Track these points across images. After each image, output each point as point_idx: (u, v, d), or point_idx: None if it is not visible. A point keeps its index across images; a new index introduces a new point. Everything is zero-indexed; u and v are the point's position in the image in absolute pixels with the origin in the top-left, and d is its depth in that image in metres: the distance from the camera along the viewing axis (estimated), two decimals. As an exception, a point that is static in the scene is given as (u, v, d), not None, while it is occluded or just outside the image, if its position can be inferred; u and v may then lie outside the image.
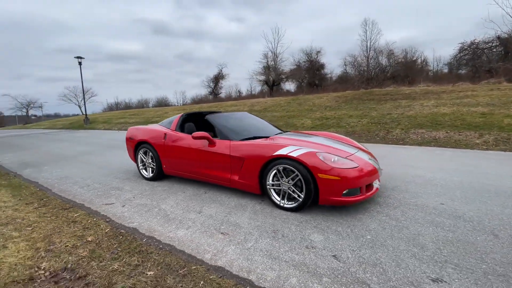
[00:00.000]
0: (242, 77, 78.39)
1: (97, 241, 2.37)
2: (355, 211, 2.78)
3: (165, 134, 4.02)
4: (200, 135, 3.36)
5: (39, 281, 1.83)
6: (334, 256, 1.99)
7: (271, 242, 2.23)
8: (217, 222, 2.65)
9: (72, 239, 2.42)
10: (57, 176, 4.83)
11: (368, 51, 26.48)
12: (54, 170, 5.34)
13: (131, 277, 1.83)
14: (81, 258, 2.09)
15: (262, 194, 3.14)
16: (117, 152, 7.29)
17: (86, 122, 20.73)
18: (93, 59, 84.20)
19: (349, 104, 12.26)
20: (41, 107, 51.66)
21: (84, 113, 23.39)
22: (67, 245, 2.30)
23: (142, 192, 3.70)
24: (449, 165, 4.57)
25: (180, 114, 4.27)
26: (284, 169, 2.82)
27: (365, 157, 3.13)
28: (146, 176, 4.32)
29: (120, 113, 25.62)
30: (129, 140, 4.59)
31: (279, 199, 2.91)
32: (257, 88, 34.70)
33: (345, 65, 28.93)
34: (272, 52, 31.63)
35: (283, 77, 31.13)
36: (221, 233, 2.43)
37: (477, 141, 6.52)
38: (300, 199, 2.73)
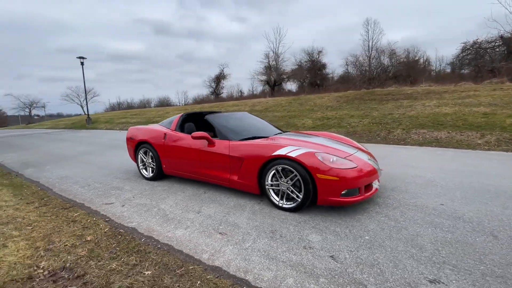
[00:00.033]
0: (244, 77, 78.43)
1: (96, 241, 2.38)
2: (354, 211, 2.77)
3: (165, 134, 4.03)
4: (199, 135, 3.37)
5: (37, 280, 1.84)
6: (331, 256, 1.99)
7: (269, 243, 2.23)
8: (215, 222, 2.66)
9: (72, 238, 2.43)
10: (58, 175, 4.86)
11: (370, 51, 26.40)
12: (55, 169, 5.37)
13: (129, 276, 1.84)
14: (80, 258, 2.10)
15: (261, 194, 3.14)
16: (118, 152, 7.32)
17: (88, 122, 20.83)
18: (94, 59, 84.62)
19: (350, 104, 12.22)
20: (43, 107, 52.03)
21: (86, 113, 23.50)
22: (66, 245, 2.31)
23: (142, 192, 3.71)
24: (450, 166, 4.55)
25: (180, 114, 4.28)
26: (283, 169, 2.82)
27: (364, 157, 3.12)
28: (146, 176, 4.34)
29: (121, 113, 25.72)
30: (129, 140, 4.60)
31: (278, 199, 2.91)
32: (259, 88, 34.74)
33: (347, 65, 28.88)
34: (273, 52, 31.64)
35: (285, 77, 31.12)
36: (219, 233, 2.44)
37: (479, 142, 6.48)
38: (299, 200, 2.73)
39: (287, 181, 2.80)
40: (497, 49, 17.67)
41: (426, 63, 28.59)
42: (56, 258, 2.10)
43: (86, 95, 23.02)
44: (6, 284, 1.76)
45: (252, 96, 31.18)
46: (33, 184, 4.31)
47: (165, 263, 1.99)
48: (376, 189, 2.97)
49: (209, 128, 4.06)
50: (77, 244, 2.33)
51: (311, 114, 12.11)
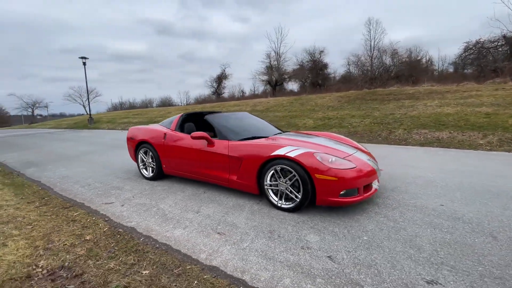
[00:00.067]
0: (245, 77, 78.54)
1: (95, 240, 2.39)
2: (353, 212, 2.77)
3: (164, 134, 4.04)
4: (198, 135, 3.37)
5: (36, 278, 1.85)
6: (329, 257, 1.99)
7: (266, 243, 2.23)
8: (214, 222, 2.66)
9: (71, 237, 2.44)
10: (59, 175, 4.89)
11: (372, 50, 26.33)
12: (57, 169, 5.40)
13: (126, 276, 1.85)
14: (79, 257, 2.11)
15: (260, 195, 3.14)
16: (119, 151, 7.35)
17: (90, 122, 20.93)
18: (97, 59, 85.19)
19: (351, 104, 12.19)
20: (46, 107, 52.36)
21: (88, 113, 23.62)
22: (66, 244, 2.33)
23: (142, 192, 3.72)
24: (451, 166, 4.53)
25: (180, 114, 4.29)
26: (282, 169, 2.82)
27: (363, 157, 3.11)
28: (147, 176, 4.35)
29: (123, 113, 25.82)
30: (130, 140, 4.62)
31: (276, 199, 2.91)
32: (260, 88, 34.73)
33: (349, 64, 28.83)
34: (275, 52, 31.63)
35: (286, 77, 31.09)
36: (218, 233, 2.44)
37: (481, 142, 6.44)
38: (298, 200, 2.73)
39: (286, 181, 2.80)
40: (500, 49, 17.53)
41: (429, 63, 28.47)
42: (55, 257, 2.12)
43: (88, 95, 23.12)
44: (5, 283, 1.78)
45: (254, 96, 31.18)
46: (34, 184, 4.33)
47: (163, 263, 2.00)
48: (376, 189, 2.96)
49: (209, 128, 4.07)
50: (76, 243, 2.34)
51: (312, 114, 12.09)
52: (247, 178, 3.09)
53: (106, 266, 1.97)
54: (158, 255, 2.11)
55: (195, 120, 4.43)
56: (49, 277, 1.87)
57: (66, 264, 2.02)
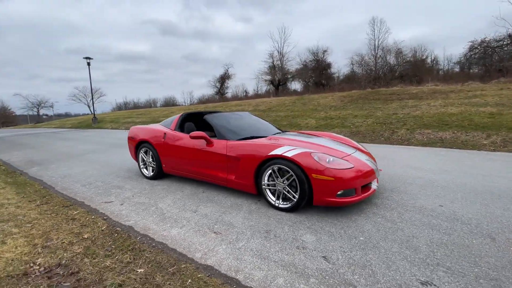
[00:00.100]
0: (249, 77, 78.66)
1: (93, 238, 2.41)
2: (350, 212, 2.75)
3: (164, 133, 4.06)
4: (197, 135, 3.38)
5: (33, 276, 1.88)
6: (324, 257, 1.98)
7: (262, 242, 2.23)
8: (211, 221, 2.67)
9: (69, 236, 2.47)
10: (61, 174, 4.94)
11: (376, 50, 26.16)
12: (59, 168, 5.46)
13: (122, 274, 1.86)
14: (76, 255, 2.14)
15: (258, 194, 3.14)
16: (121, 151, 7.40)
17: (94, 122, 21.12)
18: (102, 59, 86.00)
19: (354, 104, 12.13)
20: (52, 106, 52.97)
21: (92, 112, 23.83)
22: (64, 242, 2.35)
23: (141, 191, 3.74)
24: (453, 167, 4.48)
25: (180, 114, 4.31)
26: (279, 169, 2.82)
27: (362, 157, 3.09)
28: (147, 175, 4.38)
29: (127, 113, 26.01)
30: (130, 139, 4.65)
31: (274, 199, 2.90)
32: (263, 88, 34.72)
33: (352, 64, 28.68)
34: (278, 52, 31.63)
35: (289, 76, 31.04)
36: (214, 232, 2.44)
37: (485, 142, 6.37)
38: (295, 200, 2.72)
39: (283, 181, 2.79)
40: (506, 48, 17.29)
41: (434, 62, 28.21)
42: (52, 255, 2.14)
43: (92, 95, 23.38)
44: (2, 280, 1.80)
45: (257, 96, 31.17)
46: (36, 183, 4.39)
47: (158, 261, 2.01)
48: (374, 189, 2.94)
49: (209, 128, 4.08)
50: (74, 241, 2.37)
51: (315, 114, 12.05)
52: (245, 177, 3.10)
53: (102, 264, 1.99)
54: (154, 253, 2.12)
55: (195, 120, 4.45)
56: (45, 275, 1.89)
57: (63, 262, 2.04)
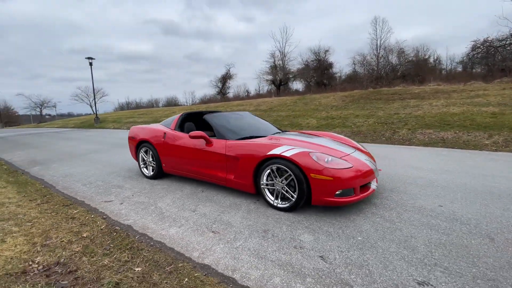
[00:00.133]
0: (250, 76, 78.62)
1: (92, 237, 2.42)
2: (349, 212, 2.75)
3: (164, 133, 4.07)
4: (196, 135, 3.39)
5: (31, 274, 1.89)
6: (321, 256, 1.98)
7: (260, 242, 2.23)
8: (209, 221, 2.67)
9: (69, 234, 2.48)
10: (62, 173, 4.97)
11: (378, 50, 26.08)
12: (61, 167, 5.49)
13: (119, 272, 1.87)
14: (74, 253, 2.15)
15: (257, 194, 3.14)
16: (122, 150, 7.43)
17: (97, 122, 21.22)
18: (105, 59, 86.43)
19: (356, 103, 12.10)
20: (54, 106, 53.28)
21: (95, 112, 23.95)
22: (63, 241, 2.37)
23: (141, 190, 3.76)
24: (454, 167, 4.45)
25: (180, 114, 4.32)
26: (278, 168, 2.82)
27: (361, 157, 3.08)
28: (147, 175, 4.39)
29: (129, 113, 26.11)
30: (131, 139, 4.67)
31: (273, 198, 2.90)
32: (265, 87, 34.72)
33: (354, 64, 28.59)
34: (280, 52, 31.60)
35: (291, 76, 31.01)
36: (212, 231, 2.45)
37: (486, 142, 6.32)
38: (293, 199, 2.72)
39: (282, 180, 2.79)
40: (509, 48, 17.15)
41: (437, 62, 28.05)
42: (51, 254, 2.16)
43: (94, 95, 23.46)
44: (0, 278, 1.82)
45: (258, 96, 31.17)
46: (37, 182, 4.42)
47: (156, 260, 2.02)
48: (373, 189, 2.93)
49: (209, 127, 4.08)
50: (73, 240, 2.38)
51: (316, 113, 12.03)
52: (244, 177, 3.10)
53: (100, 263, 2.00)
54: (152, 252, 2.13)
55: (195, 119, 4.46)
56: (44, 273, 1.90)
57: (62, 260, 2.06)
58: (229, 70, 36.05)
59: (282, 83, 30.47)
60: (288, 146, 2.84)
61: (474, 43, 18.60)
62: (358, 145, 3.72)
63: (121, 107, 50.51)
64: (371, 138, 8.19)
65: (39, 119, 48.05)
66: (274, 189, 2.89)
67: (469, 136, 6.86)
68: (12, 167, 5.72)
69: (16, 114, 51.82)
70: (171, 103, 45.46)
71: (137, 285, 1.73)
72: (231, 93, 37.20)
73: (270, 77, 31.49)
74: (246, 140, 3.33)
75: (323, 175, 2.54)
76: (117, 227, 2.62)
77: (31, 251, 2.19)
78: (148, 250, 2.17)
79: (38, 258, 2.09)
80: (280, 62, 31.40)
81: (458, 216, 2.56)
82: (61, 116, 53.05)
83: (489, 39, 17.64)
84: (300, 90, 29.46)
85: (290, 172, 2.69)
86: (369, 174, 2.86)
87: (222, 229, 2.49)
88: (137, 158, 4.61)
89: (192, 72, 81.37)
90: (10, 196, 3.63)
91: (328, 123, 10.58)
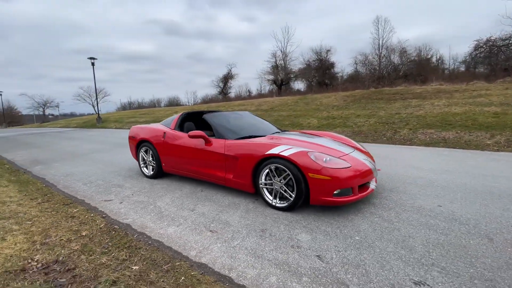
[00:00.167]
0: (252, 76, 78.64)
1: (91, 236, 2.44)
2: (347, 211, 2.74)
3: (164, 133, 4.09)
4: (196, 134, 3.40)
5: (30, 272, 1.91)
6: (318, 256, 1.98)
7: (257, 241, 2.23)
8: (208, 220, 2.68)
9: (68, 233, 2.50)
10: (64, 173, 5.00)
11: (380, 49, 26.00)
12: (62, 167, 5.53)
13: (117, 271, 1.88)
14: (73, 252, 2.16)
15: (256, 193, 3.14)
16: (123, 150, 7.46)
17: (99, 121, 21.33)
18: (107, 59, 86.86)
19: (357, 103, 12.06)
20: (57, 106, 53.62)
21: (97, 112, 24.07)
22: (62, 239, 2.38)
23: (141, 190, 3.77)
24: (455, 167, 4.43)
25: (179, 113, 4.33)
26: (276, 168, 2.82)
27: (360, 157, 3.08)
28: (147, 174, 4.41)
29: (131, 113, 26.22)
30: (131, 138, 4.69)
31: (271, 198, 2.91)
32: (267, 87, 34.72)
33: (356, 64, 28.52)
34: (281, 51, 31.59)
35: (292, 76, 30.99)
36: (210, 230, 2.46)
37: (488, 142, 6.28)
38: (292, 199, 2.72)
39: (280, 180, 2.79)
40: (512, 47, 17.04)
41: (440, 61, 27.90)
42: (50, 252, 2.17)
43: (96, 95, 23.59)
44: (0, 275, 1.84)
45: (260, 95, 31.18)
46: (38, 181, 4.45)
47: (153, 259, 2.03)
48: (372, 189, 2.92)
49: (209, 127, 4.09)
50: (72, 238, 2.40)
51: (317, 113, 12.01)
52: (243, 176, 3.10)
53: (98, 261, 2.01)
54: (150, 251, 2.14)
55: (195, 119, 4.47)
56: (42, 271, 1.92)
57: (60, 258, 2.07)
58: (230, 70, 36.11)
59: (283, 83, 30.46)
60: (286, 146, 2.84)
61: (477, 42, 18.50)
62: (358, 145, 3.72)
63: (123, 107, 50.75)
64: (372, 138, 8.16)
65: (42, 119, 48.40)
66: (272, 189, 2.89)
67: (470, 136, 6.82)
68: (14, 167, 5.77)
69: (19, 114, 52.24)
70: (173, 103, 45.60)
71: (133, 283, 1.74)
72: (232, 93, 37.28)
73: (271, 77, 31.50)
74: (245, 139, 3.34)
75: (321, 175, 2.54)
76: (116, 226, 2.63)
77: (30, 249, 2.21)
78: (146, 249, 2.18)
79: (37, 256, 2.11)
80: (282, 62, 31.42)
81: (457, 216, 2.55)
82: (64, 116, 53.38)
83: (492, 38, 17.53)
84: (302, 90, 29.45)
85: (288, 172, 2.69)
86: (368, 174, 2.86)
87: (220, 228, 2.50)
88: (137, 158, 4.63)
89: (194, 72, 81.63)
90: (12, 195, 3.66)
91: (329, 123, 10.56)
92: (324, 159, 2.65)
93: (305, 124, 11.02)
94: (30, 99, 51.63)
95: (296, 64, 31.03)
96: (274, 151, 2.79)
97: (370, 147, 6.26)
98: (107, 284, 1.73)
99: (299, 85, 32.59)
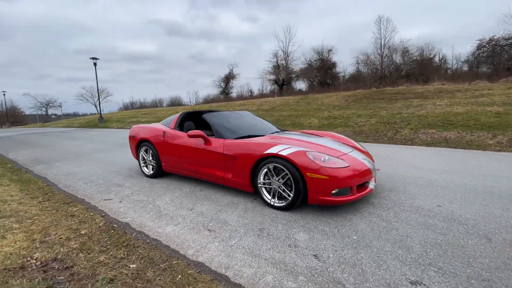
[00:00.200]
0: (254, 76, 78.74)
1: (90, 234, 2.46)
2: (346, 211, 2.74)
3: (164, 132, 4.10)
4: (195, 134, 3.41)
5: (29, 269, 1.92)
6: (315, 255, 1.98)
7: (255, 240, 2.24)
8: (206, 219, 2.69)
9: (67, 232, 2.52)
10: (65, 172, 5.03)
11: (382, 49, 25.90)
12: (64, 166, 5.56)
13: (114, 269, 1.90)
14: (72, 250, 2.18)
15: (255, 193, 3.15)
16: (124, 149, 7.49)
17: (101, 121, 21.43)
18: (109, 59, 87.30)
19: (358, 103, 12.03)
20: (60, 106, 53.92)
21: (99, 112, 24.19)
22: (61, 237, 2.40)
23: (141, 189, 3.79)
24: (456, 167, 4.41)
25: (179, 113, 4.35)
26: (275, 167, 2.82)
27: (359, 157, 3.07)
28: (147, 174, 4.43)
29: (132, 112, 26.32)
30: (131, 138, 4.71)
31: (270, 197, 2.91)
32: (268, 87, 34.73)
33: (358, 63, 28.45)
34: (283, 51, 31.58)
35: (293, 76, 30.97)
36: (208, 230, 2.46)
37: (490, 142, 6.24)
38: (290, 198, 2.72)
39: (279, 179, 2.79)
40: (516, 46, 16.90)
41: (442, 61, 27.76)
42: (49, 250, 2.19)
43: (98, 95, 23.74)
44: (-2, 273, 1.86)
45: (261, 95, 31.20)
46: (40, 180, 4.48)
47: (151, 257, 2.04)
48: (371, 189, 2.92)
49: (209, 127, 4.10)
50: (72, 237, 2.41)
51: (318, 113, 12.00)
52: (241, 176, 3.11)
53: (96, 260, 2.02)
54: (148, 250, 2.15)
55: (195, 119, 4.48)
56: (41, 269, 1.93)
57: (59, 256, 2.09)
58: (232, 70, 36.16)
59: (285, 83, 30.44)
60: (285, 145, 2.84)
61: (479, 41, 18.39)
62: (357, 145, 3.71)
63: (126, 107, 51.00)
64: (373, 138, 8.14)
65: (45, 119, 48.72)
66: (271, 188, 2.89)
67: (472, 136, 6.78)
68: (16, 166, 5.81)
69: (23, 114, 52.65)
70: (175, 103, 45.74)
71: (131, 281, 1.76)
72: (234, 93, 37.34)
73: (273, 76, 31.51)
74: (244, 139, 3.34)
75: (320, 174, 2.53)
76: (115, 225, 2.65)
77: (30, 247, 2.23)
78: (144, 247, 2.20)
79: (37, 254, 2.13)
80: (283, 61, 31.40)
81: (456, 216, 2.53)
82: (67, 115, 53.67)
83: (495, 37, 17.41)
84: (303, 89, 29.43)
85: (286, 171, 2.69)
86: (367, 173, 2.85)
87: (218, 227, 2.51)
88: (137, 157, 4.65)
89: (195, 72, 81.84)
90: (13, 193, 3.69)
91: (330, 122, 10.55)
92: (322, 159, 2.65)
93: (306, 124, 11.01)
94: (33, 99, 51.96)
95: (297, 64, 31.06)
96: (272, 150, 2.79)
97: (371, 147, 6.25)
98: (104, 282, 1.74)
99: (300, 85, 32.61)
